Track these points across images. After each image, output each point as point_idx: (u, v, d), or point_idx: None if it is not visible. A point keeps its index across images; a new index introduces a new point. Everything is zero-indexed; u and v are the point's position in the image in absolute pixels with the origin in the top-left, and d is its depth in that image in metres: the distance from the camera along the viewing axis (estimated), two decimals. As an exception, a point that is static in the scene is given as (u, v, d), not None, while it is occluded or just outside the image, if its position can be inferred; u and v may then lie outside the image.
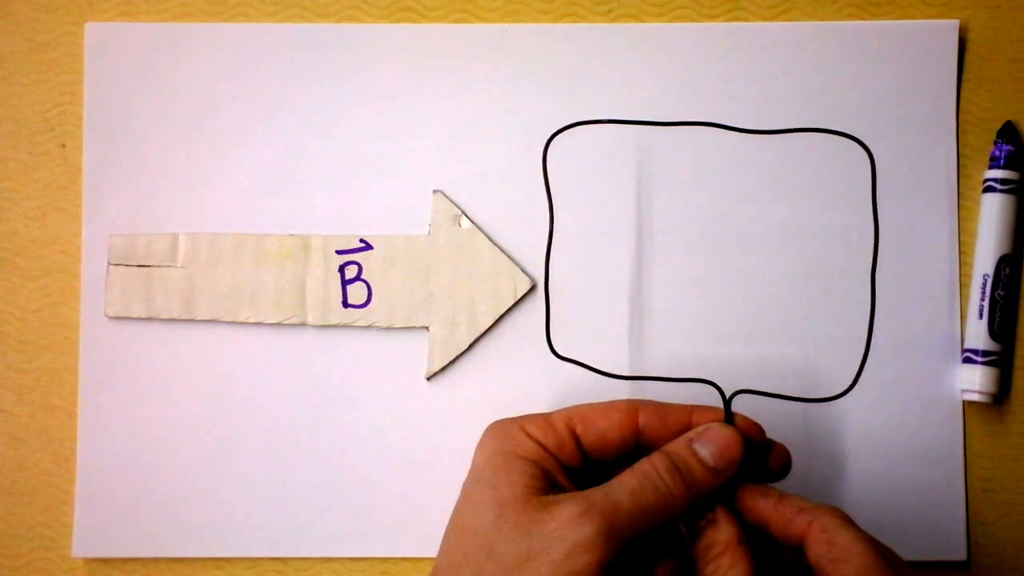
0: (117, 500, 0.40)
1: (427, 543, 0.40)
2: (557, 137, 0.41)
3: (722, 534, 0.31)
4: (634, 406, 0.34)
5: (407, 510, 0.40)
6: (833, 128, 0.38)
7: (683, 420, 0.34)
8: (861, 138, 0.41)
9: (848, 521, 0.31)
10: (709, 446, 0.32)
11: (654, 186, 0.41)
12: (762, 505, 0.32)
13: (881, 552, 0.30)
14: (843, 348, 0.40)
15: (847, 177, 0.41)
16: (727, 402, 0.34)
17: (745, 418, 0.34)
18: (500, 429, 0.34)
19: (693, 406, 0.34)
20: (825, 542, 0.30)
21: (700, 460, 0.32)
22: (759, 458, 0.34)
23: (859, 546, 0.30)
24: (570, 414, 0.34)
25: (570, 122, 0.41)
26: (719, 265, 0.41)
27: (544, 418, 0.34)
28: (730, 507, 0.32)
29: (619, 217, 0.41)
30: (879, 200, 0.41)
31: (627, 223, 0.41)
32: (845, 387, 0.34)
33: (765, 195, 0.41)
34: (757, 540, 0.32)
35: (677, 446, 0.32)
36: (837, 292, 0.41)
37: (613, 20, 0.42)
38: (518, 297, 0.41)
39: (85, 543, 0.41)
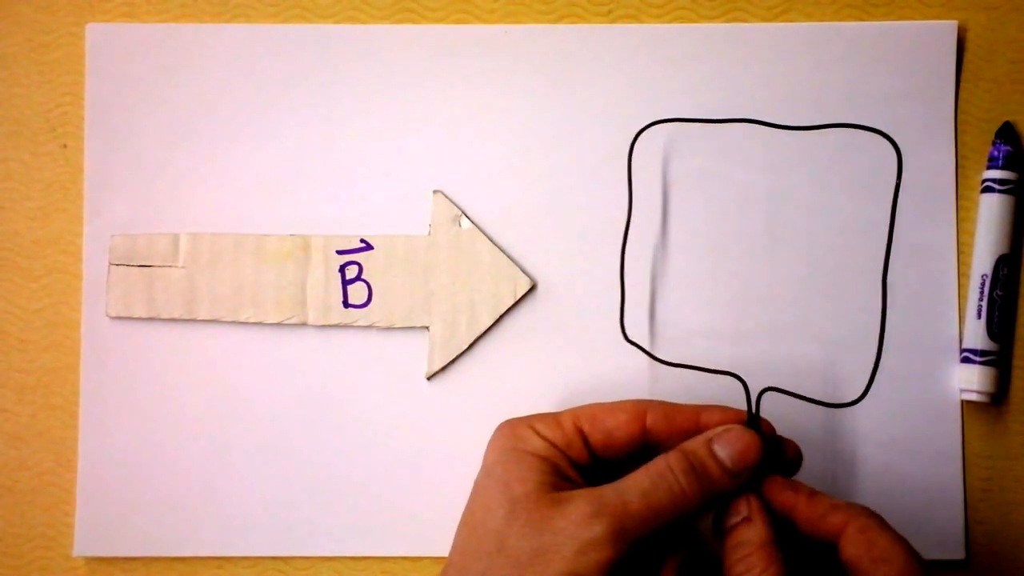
0: (118, 499, 0.41)
1: (427, 542, 0.40)
2: (560, 135, 0.41)
3: (756, 533, 0.31)
4: (642, 406, 0.34)
5: (407, 509, 0.40)
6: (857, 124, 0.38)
7: (691, 421, 0.34)
8: (859, 137, 0.41)
9: (884, 522, 0.31)
10: (728, 448, 0.32)
11: (664, 184, 0.41)
12: (791, 498, 0.33)
13: (917, 556, 0.30)
14: (859, 346, 0.40)
15: (861, 175, 0.41)
16: (755, 401, 0.33)
17: (760, 417, 0.34)
18: (509, 428, 0.34)
19: (701, 406, 0.34)
20: (865, 542, 0.31)
21: (718, 461, 0.32)
22: (773, 455, 0.34)
23: (899, 548, 0.30)
24: (577, 413, 0.34)
25: (568, 121, 0.41)
26: (732, 264, 0.41)
27: (552, 417, 0.34)
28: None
29: (621, 217, 0.41)
30: (884, 198, 0.41)
31: (638, 221, 0.41)
32: (861, 385, 0.34)
33: (778, 194, 0.41)
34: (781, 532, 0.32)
35: (695, 445, 0.32)
36: (853, 290, 0.41)
37: (613, 21, 0.42)
38: (518, 297, 0.41)
39: (86, 542, 0.41)
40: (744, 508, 0.32)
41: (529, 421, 0.34)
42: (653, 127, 0.40)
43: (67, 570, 0.41)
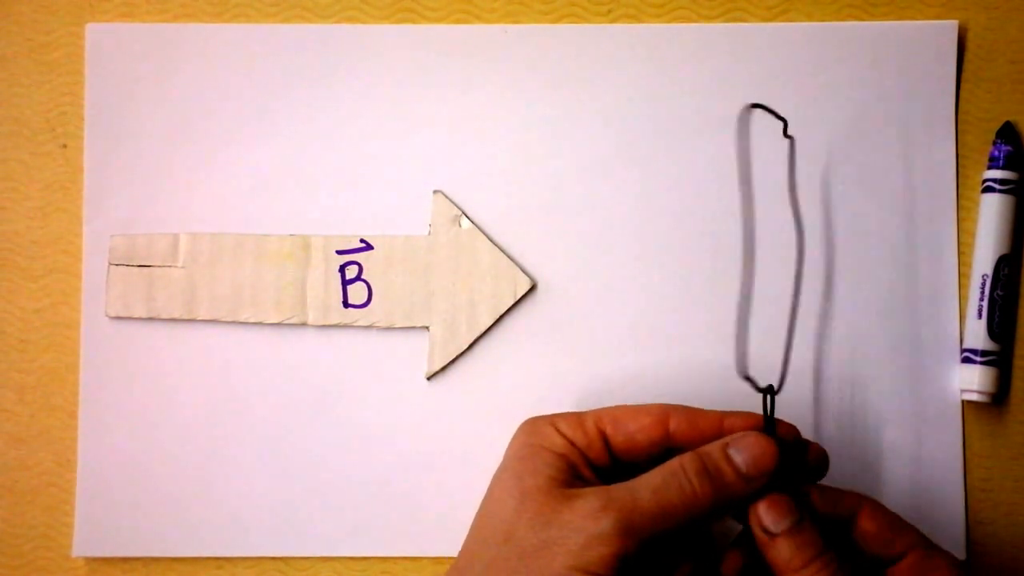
0: (118, 499, 0.41)
1: (427, 542, 0.40)
2: (560, 135, 0.41)
3: (815, 534, 0.32)
4: (666, 411, 0.34)
5: (407, 510, 0.40)
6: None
7: (715, 426, 0.34)
8: (859, 138, 0.41)
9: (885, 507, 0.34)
10: (744, 453, 0.32)
11: (654, 186, 0.41)
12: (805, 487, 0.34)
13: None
14: (854, 345, 0.41)
15: (864, 175, 0.41)
16: (770, 404, 0.33)
17: (783, 421, 0.34)
18: (532, 424, 0.35)
19: (725, 412, 0.34)
20: (882, 517, 0.33)
21: (733, 466, 0.32)
22: (797, 458, 0.34)
23: (910, 525, 0.33)
24: (601, 415, 0.34)
25: (568, 121, 0.41)
26: (725, 266, 0.41)
27: (576, 416, 0.34)
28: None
29: (621, 217, 0.41)
30: (879, 199, 0.41)
31: (630, 223, 0.41)
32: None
33: (764, 195, 0.41)
34: None
35: (711, 449, 0.32)
36: (866, 290, 0.41)
37: (613, 20, 0.42)
38: (518, 297, 0.41)
39: (86, 542, 0.41)
40: (797, 510, 0.32)
41: (552, 419, 0.35)
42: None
43: (67, 570, 0.41)
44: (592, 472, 0.33)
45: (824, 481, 0.40)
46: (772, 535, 0.32)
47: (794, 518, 0.32)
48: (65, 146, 0.42)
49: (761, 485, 0.32)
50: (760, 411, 0.34)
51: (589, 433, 0.34)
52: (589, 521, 0.30)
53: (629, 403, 0.35)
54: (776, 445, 0.32)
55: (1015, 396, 0.41)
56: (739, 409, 0.34)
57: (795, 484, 0.33)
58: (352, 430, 0.41)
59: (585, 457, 0.33)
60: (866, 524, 0.33)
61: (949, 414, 0.40)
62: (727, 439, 0.33)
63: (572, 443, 0.34)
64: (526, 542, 0.30)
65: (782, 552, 0.31)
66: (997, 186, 0.40)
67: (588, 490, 0.31)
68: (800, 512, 0.32)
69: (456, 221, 0.41)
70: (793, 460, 0.33)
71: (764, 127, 0.41)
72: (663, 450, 0.34)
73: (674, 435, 0.34)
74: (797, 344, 0.41)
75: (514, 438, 0.35)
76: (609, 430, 0.34)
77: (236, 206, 0.41)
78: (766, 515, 0.32)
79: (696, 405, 0.35)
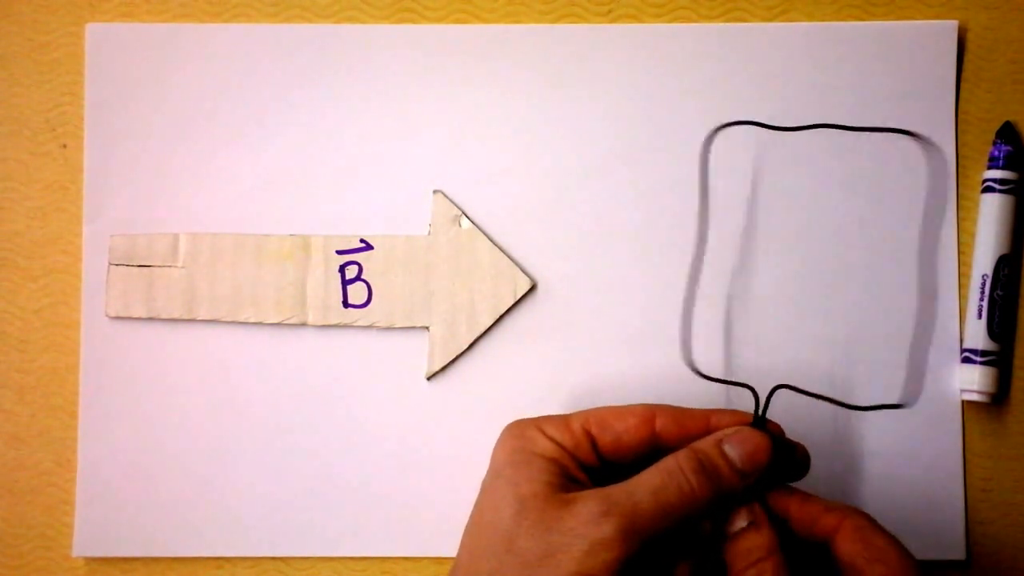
0: (118, 500, 0.41)
1: (427, 543, 0.40)
2: (560, 135, 0.41)
3: (765, 539, 0.31)
4: (651, 411, 0.34)
5: (407, 510, 0.40)
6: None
7: (701, 425, 0.34)
8: (859, 138, 0.41)
9: (877, 523, 0.32)
10: (738, 448, 0.32)
11: (655, 186, 0.41)
12: (784, 501, 0.33)
13: (910, 556, 0.31)
14: (854, 344, 0.40)
15: (866, 176, 0.41)
16: (765, 403, 0.33)
17: (770, 420, 0.34)
18: (518, 428, 0.34)
19: (711, 410, 0.34)
20: (860, 541, 0.31)
21: (728, 461, 0.32)
22: (782, 457, 0.34)
23: (894, 547, 0.31)
24: (587, 416, 0.34)
25: (568, 121, 0.41)
26: (725, 266, 0.41)
27: (561, 419, 0.34)
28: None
29: (621, 217, 0.41)
30: (879, 199, 0.41)
31: (630, 223, 0.41)
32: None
33: (786, 196, 0.41)
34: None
35: (705, 445, 0.32)
36: (858, 291, 0.41)
37: (613, 20, 0.42)
38: (518, 297, 0.41)
39: (86, 542, 0.41)
40: (749, 514, 0.32)
41: (537, 423, 0.34)
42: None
43: (67, 570, 0.41)
44: (584, 473, 0.33)
45: (824, 479, 0.40)
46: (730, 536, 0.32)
47: (743, 524, 0.32)
48: (65, 146, 0.42)
49: (755, 480, 0.32)
50: (747, 411, 0.34)
51: (576, 435, 0.34)
52: (591, 527, 0.30)
53: (628, 403, 0.35)
54: (769, 440, 0.32)
55: (1015, 396, 0.41)
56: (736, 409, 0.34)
57: (781, 482, 0.33)
58: (352, 430, 0.41)
59: (575, 459, 0.33)
60: (843, 547, 0.32)
61: (949, 414, 0.40)
62: (720, 434, 0.33)
63: (561, 446, 0.33)
64: (529, 552, 0.30)
65: (729, 552, 0.32)
66: (997, 186, 0.40)
67: (587, 493, 0.31)
68: (753, 517, 0.32)
69: (456, 221, 0.41)
70: (782, 457, 0.33)
71: (762, 132, 0.41)
72: (650, 450, 0.34)
73: (660, 434, 0.34)
74: (795, 344, 0.41)
75: (500, 443, 0.34)
76: (595, 431, 0.34)
77: (236, 206, 0.41)
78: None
79: (696, 405, 0.35)
